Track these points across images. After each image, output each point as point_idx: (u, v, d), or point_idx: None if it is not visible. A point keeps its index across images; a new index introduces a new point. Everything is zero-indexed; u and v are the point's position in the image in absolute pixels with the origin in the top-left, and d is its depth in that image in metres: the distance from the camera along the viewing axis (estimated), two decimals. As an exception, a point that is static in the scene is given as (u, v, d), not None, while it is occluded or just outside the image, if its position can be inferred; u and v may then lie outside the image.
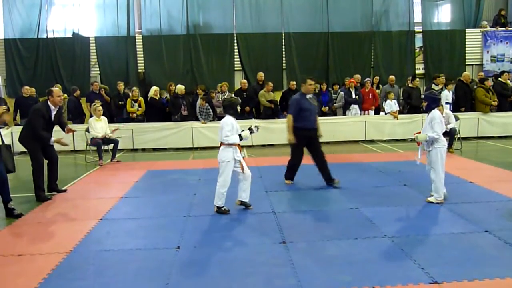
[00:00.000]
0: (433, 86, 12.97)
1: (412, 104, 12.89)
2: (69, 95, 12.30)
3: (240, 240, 4.81)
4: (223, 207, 5.75)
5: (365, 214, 5.55)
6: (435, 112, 5.90)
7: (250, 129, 5.94)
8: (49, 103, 6.80)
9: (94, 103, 10.54)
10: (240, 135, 5.72)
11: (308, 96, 7.11)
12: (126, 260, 4.32)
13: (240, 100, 6.63)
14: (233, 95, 12.50)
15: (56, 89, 6.93)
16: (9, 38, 14.49)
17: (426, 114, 6.03)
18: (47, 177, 6.95)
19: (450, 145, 10.16)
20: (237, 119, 5.94)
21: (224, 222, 5.45)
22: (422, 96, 6.26)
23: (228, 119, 5.72)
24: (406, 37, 15.47)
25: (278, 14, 15.16)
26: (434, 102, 6.01)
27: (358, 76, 13.37)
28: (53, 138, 6.88)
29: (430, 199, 6.02)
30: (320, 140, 7.32)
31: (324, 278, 3.81)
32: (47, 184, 6.95)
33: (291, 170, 7.35)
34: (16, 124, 11.70)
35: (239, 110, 6.08)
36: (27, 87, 12.04)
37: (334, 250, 4.43)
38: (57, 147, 7.11)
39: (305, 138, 7.06)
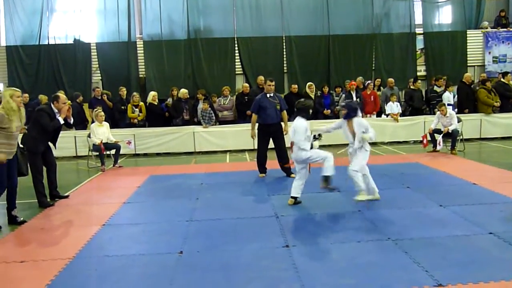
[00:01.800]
0: (435, 87, 13.00)
1: (414, 106, 12.89)
2: (72, 101, 12.30)
3: (243, 245, 4.79)
4: (296, 198, 6.21)
5: (368, 217, 5.53)
6: (360, 119, 6.09)
7: (315, 136, 6.18)
8: (53, 106, 6.77)
9: (96, 109, 10.56)
10: (311, 144, 6.06)
11: (269, 95, 8.09)
12: (129, 265, 4.31)
13: (312, 103, 7.35)
14: (234, 98, 12.53)
15: (63, 96, 6.90)
16: (11, 45, 14.52)
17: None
18: (47, 183, 6.95)
19: (453, 147, 10.16)
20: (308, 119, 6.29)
21: (226, 227, 5.43)
22: (342, 104, 6.41)
23: (302, 123, 6.03)
24: (407, 39, 15.45)
25: (279, 18, 15.16)
26: (353, 111, 6.09)
27: (361, 79, 13.35)
28: (60, 118, 6.72)
29: (360, 197, 5.99)
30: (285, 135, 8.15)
31: (328, 281, 3.79)
32: (48, 191, 6.95)
33: (259, 163, 8.31)
34: None
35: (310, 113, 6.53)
36: (26, 95, 11.94)
37: (337, 254, 4.41)
38: (56, 152, 7.08)
39: (268, 133, 8.06)
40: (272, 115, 8.02)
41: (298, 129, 6.01)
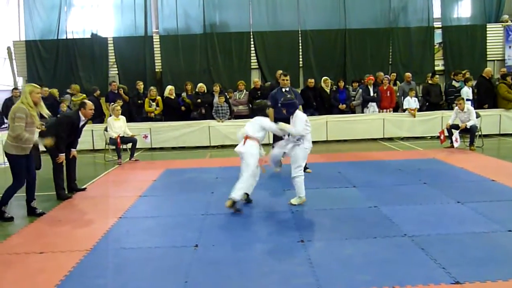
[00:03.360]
0: (453, 82, 12.80)
1: (431, 101, 12.73)
2: (89, 95, 12.46)
3: (258, 239, 4.80)
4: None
5: (384, 213, 5.49)
6: (299, 113, 5.96)
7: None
8: (80, 113, 6.91)
9: (113, 103, 10.66)
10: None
11: (284, 89, 7.94)
12: (145, 258, 4.35)
13: (269, 103, 7.11)
14: (248, 93, 12.51)
15: (90, 103, 7.02)
16: (30, 40, 14.74)
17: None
18: (66, 176, 7.05)
19: (471, 143, 10.00)
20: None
21: (241, 221, 5.45)
22: (279, 105, 6.29)
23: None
24: (425, 33, 15.19)
25: (295, 12, 15.06)
26: (292, 106, 5.97)
27: (381, 74, 13.18)
28: (62, 155, 6.77)
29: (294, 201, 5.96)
30: None
31: (343, 277, 3.77)
32: (66, 184, 7.05)
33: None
34: None
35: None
36: (46, 88, 12.17)
37: (352, 249, 4.39)
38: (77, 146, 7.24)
39: None
40: None
41: (269, 127, 5.95)
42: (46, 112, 5.96)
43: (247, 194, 5.97)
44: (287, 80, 8.10)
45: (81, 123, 6.98)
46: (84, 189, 7.30)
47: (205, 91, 12.29)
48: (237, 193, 5.65)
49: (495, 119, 12.13)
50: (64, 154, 6.80)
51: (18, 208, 6.27)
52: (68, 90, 12.80)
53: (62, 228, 5.43)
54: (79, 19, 15.03)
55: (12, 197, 5.81)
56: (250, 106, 12.23)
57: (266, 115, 6.17)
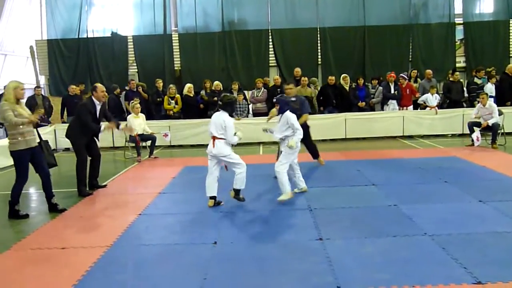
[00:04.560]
0: (475, 79, 12.58)
1: (452, 99, 12.52)
2: (110, 93, 12.62)
3: (277, 237, 4.80)
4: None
5: (404, 212, 5.43)
6: (288, 113, 6.06)
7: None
8: (93, 98, 7.01)
9: (132, 101, 10.78)
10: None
11: (291, 99, 7.07)
12: (164, 254, 4.40)
13: (236, 98, 7.04)
14: (266, 91, 12.48)
15: (100, 85, 7.13)
16: (52, 39, 15.01)
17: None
18: (88, 173, 7.17)
19: (493, 141, 9.81)
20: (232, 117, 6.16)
21: (260, 218, 5.46)
22: (274, 100, 6.28)
23: (231, 119, 5.92)
24: (446, 30, 14.94)
25: (313, 9, 14.98)
26: (286, 104, 6.11)
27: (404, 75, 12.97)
28: (103, 126, 7.08)
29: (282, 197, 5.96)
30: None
31: (362, 275, 3.75)
32: (88, 180, 7.17)
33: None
34: (63, 122, 12.14)
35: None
36: (74, 86, 12.44)
37: (372, 248, 4.35)
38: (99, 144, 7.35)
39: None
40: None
41: (229, 124, 5.82)
42: (26, 111, 5.86)
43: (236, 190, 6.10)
44: (290, 89, 7.69)
45: (97, 108, 7.01)
46: (104, 186, 7.41)
47: (221, 89, 12.32)
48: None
49: (519, 116, 11.86)
50: (101, 126, 7.02)
51: (40, 204, 6.41)
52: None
53: (83, 224, 5.52)
54: (99, 18, 15.28)
55: (20, 194, 5.85)
56: (270, 103, 12.21)
57: (233, 110, 6.21)
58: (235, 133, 5.96)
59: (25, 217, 5.82)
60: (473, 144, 9.74)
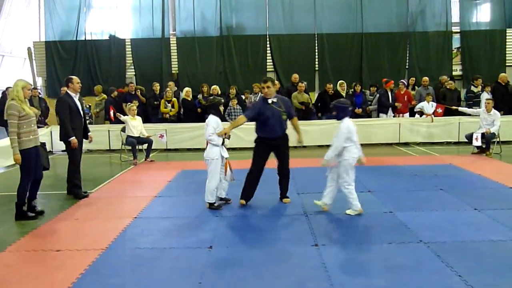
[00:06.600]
0: (472, 87, 12.65)
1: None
2: (108, 95, 12.64)
3: (272, 242, 4.80)
4: (214, 203, 6.01)
5: (400, 219, 5.44)
6: (343, 122, 5.62)
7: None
8: (69, 91, 6.91)
9: (129, 103, 10.78)
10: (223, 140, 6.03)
11: (271, 100, 6.06)
12: (159, 258, 4.38)
13: (222, 100, 6.75)
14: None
15: (75, 77, 7.05)
16: (50, 41, 15.01)
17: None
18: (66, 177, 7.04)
19: (487, 149, 9.85)
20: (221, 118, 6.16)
21: (256, 223, 5.47)
22: (331, 106, 5.88)
23: (214, 118, 5.95)
24: (443, 38, 15.05)
25: (311, 15, 15.06)
26: (342, 110, 5.66)
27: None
28: (72, 138, 6.75)
29: (349, 211, 5.70)
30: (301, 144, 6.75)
31: (357, 282, 3.75)
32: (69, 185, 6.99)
33: (246, 183, 6.26)
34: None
35: (222, 111, 6.36)
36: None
37: (367, 255, 4.37)
38: (90, 146, 7.26)
39: (268, 147, 6.18)
40: (275, 127, 6.04)
41: (209, 123, 5.89)
42: (33, 109, 5.91)
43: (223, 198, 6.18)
44: (267, 87, 6.00)
45: (76, 99, 6.92)
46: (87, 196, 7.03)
47: (218, 93, 12.33)
48: (207, 197, 5.99)
49: (514, 125, 11.93)
50: (74, 137, 6.74)
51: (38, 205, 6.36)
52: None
53: (78, 226, 5.50)
54: (97, 21, 15.29)
55: (26, 195, 5.80)
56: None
57: (219, 112, 6.18)
58: (222, 143, 6.03)
59: (34, 218, 5.75)
60: (477, 149, 9.87)
